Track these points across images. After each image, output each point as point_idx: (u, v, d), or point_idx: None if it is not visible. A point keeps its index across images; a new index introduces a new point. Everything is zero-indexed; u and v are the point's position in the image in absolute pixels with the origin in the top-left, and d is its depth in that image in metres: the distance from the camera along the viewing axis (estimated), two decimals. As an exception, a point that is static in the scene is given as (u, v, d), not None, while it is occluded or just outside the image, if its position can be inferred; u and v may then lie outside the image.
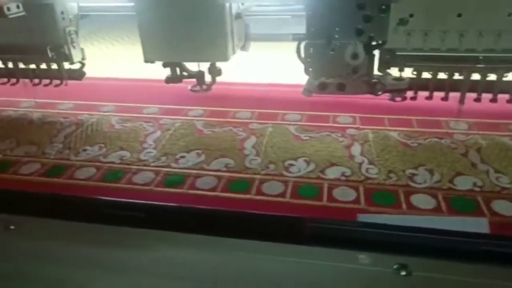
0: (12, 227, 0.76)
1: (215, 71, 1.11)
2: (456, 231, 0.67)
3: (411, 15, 0.86)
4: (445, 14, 0.85)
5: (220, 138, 1.11)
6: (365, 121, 1.15)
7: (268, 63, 1.62)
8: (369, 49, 0.93)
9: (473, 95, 1.00)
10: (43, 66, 1.22)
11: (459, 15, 0.84)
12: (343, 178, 0.91)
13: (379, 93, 1.01)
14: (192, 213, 0.82)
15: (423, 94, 1.04)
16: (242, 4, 1.06)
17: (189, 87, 1.17)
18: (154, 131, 1.17)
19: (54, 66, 1.21)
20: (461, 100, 1.00)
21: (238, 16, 1.03)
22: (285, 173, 0.94)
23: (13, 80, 1.28)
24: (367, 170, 0.94)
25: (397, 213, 0.79)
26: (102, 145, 1.10)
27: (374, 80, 0.98)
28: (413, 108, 1.13)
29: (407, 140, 1.05)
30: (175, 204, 0.84)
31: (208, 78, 1.17)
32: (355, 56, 0.91)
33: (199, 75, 1.13)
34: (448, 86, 0.99)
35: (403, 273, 0.61)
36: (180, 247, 0.75)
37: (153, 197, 0.89)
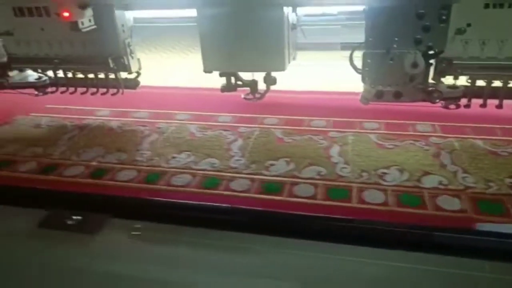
0: (135, 232, 0.79)
1: (270, 80, 1.13)
2: None
3: (469, 25, 0.87)
4: (502, 24, 0.85)
5: (302, 146, 1.13)
6: (446, 129, 1.16)
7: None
8: (426, 58, 0.93)
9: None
10: (100, 75, 1.26)
11: None
12: (441, 186, 0.92)
13: (437, 101, 1.01)
14: (301, 219, 0.84)
15: (477, 101, 1.03)
16: (297, 15, 1.08)
17: (243, 96, 1.18)
18: (235, 139, 1.20)
19: (111, 75, 1.24)
20: None
21: (294, 27, 1.06)
22: (381, 181, 0.95)
23: (72, 89, 1.30)
24: (463, 179, 0.94)
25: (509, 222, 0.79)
26: (189, 152, 1.13)
27: (431, 88, 0.99)
28: (467, 116, 1.14)
29: (496, 148, 1.05)
30: (282, 211, 0.87)
31: (260, 86, 1.18)
32: (415, 65, 0.92)
33: (253, 84, 1.15)
34: (502, 94, 0.99)
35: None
36: (291, 251, 0.77)
37: (252, 203, 0.91)
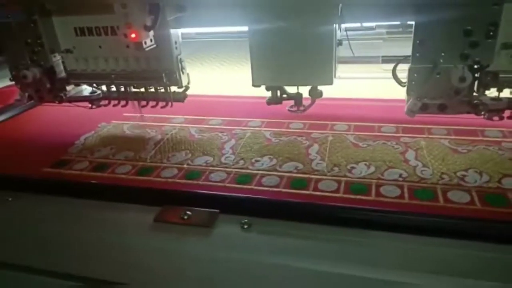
0: (246, 226, 0.88)
1: (316, 94, 1.17)
2: None
3: None
4: None
5: (379, 151, 1.20)
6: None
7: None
8: (473, 71, 0.97)
9: None
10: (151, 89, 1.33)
11: None
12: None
13: (482, 113, 1.05)
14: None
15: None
16: (341, 31, 1.13)
17: (287, 108, 1.23)
18: (311, 144, 1.28)
19: (161, 89, 1.31)
20: None
21: (340, 43, 1.11)
22: (462, 183, 1.01)
23: (123, 102, 1.39)
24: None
25: None
26: (271, 156, 1.22)
27: (476, 101, 1.02)
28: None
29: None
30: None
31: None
32: (462, 79, 0.96)
33: (298, 97, 1.20)
34: None
35: None
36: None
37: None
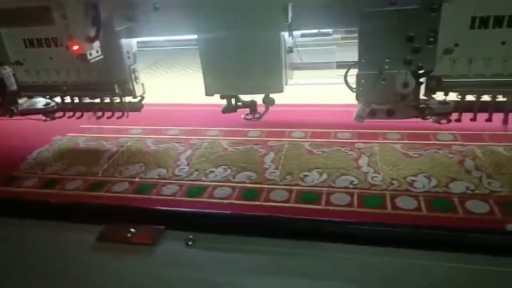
0: (190, 243, 0.86)
1: (269, 101, 1.19)
2: None
3: (456, 45, 0.93)
4: (487, 43, 0.91)
5: (333, 158, 1.20)
6: (467, 138, 1.23)
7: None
8: (417, 77, 1.00)
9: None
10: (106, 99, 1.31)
11: (503, 43, 0.90)
12: (469, 192, 0.98)
13: (428, 117, 1.07)
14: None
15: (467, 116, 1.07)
16: (292, 38, 1.13)
17: (243, 116, 1.24)
18: (267, 153, 1.27)
19: (116, 99, 1.30)
20: (505, 120, 1.05)
21: (290, 50, 1.12)
22: (411, 188, 1.02)
23: (78, 113, 1.36)
24: (489, 183, 1.01)
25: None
26: (226, 166, 1.20)
27: (422, 105, 1.05)
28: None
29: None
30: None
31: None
32: (406, 84, 0.98)
33: (252, 105, 1.21)
34: (492, 108, 1.04)
35: None
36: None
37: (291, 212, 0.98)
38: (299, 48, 1.30)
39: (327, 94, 1.61)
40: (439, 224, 0.88)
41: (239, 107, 1.23)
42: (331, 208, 0.98)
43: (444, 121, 1.10)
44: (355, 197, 1.01)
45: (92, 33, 1.04)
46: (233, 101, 1.21)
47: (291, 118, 1.51)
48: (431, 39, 0.95)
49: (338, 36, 1.44)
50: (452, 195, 0.98)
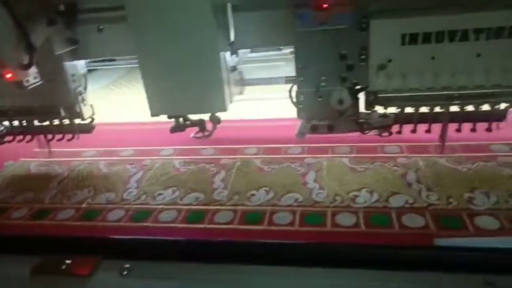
0: (125, 272, 0.85)
1: (215, 120, 1.20)
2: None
3: (390, 60, 0.95)
4: (420, 58, 0.93)
5: (281, 175, 1.21)
6: (412, 150, 1.26)
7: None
8: (354, 93, 1.02)
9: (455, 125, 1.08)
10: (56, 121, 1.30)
11: (433, 58, 0.93)
12: (407, 205, 1.00)
13: (366, 132, 1.09)
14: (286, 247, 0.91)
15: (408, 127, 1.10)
16: (237, 56, 1.15)
17: (192, 135, 1.24)
18: (218, 171, 1.27)
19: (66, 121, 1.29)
20: (443, 131, 1.09)
21: (234, 68, 1.13)
22: (353, 204, 1.03)
23: (28, 137, 1.35)
24: (427, 196, 1.03)
25: (467, 235, 0.87)
26: (176, 187, 1.20)
27: (361, 120, 1.07)
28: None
29: (457, 165, 1.15)
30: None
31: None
32: (341, 102, 1.01)
33: (201, 123, 1.21)
34: (430, 120, 1.07)
35: (491, 290, 0.69)
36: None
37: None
38: (249, 65, 1.32)
39: (279, 109, 1.63)
40: (375, 241, 0.89)
41: (188, 126, 1.23)
42: (273, 228, 0.98)
43: (385, 133, 1.12)
44: (297, 216, 1.01)
45: (26, 60, 1.03)
46: (181, 120, 1.21)
47: (247, 134, 1.52)
48: (363, 57, 0.98)
49: (287, 51, 1.46)
50: (390, 210, 0.99)
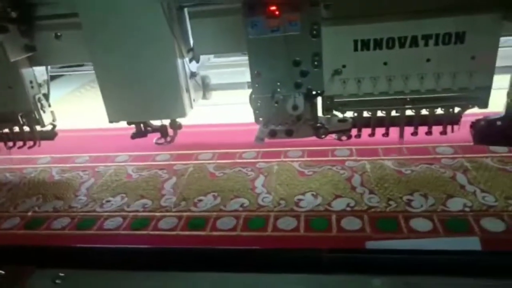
0: (58, 281, 0.84)
1: (176, 126, 1.21)
2: (453, 250, 0.77)
3: (344, 66, 0.97)
4: (373, 63, 0.96)
5: (232, 180, 1.22)
6: (362, 153, 1.28)
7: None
8: (310, 98, 1.03)
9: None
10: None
11: (385, 63, 0.95)
12: (348, 209, 1.02)
13: (323, 136, 1.09)
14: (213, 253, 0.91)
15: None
16: (198, 62, 1.16)
17: (154, 140, 1.24)
18: (169, 177, 1.27)
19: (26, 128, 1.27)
20: (401, 135, 1.09)
21: (193, 74, 1.14)
22: (296, 208, 1.04)
23: None
24: (369, 199, 1.05)
25: (400, 237, 0.89)
26: (125, 194, 1.20)
27: (318, 125, 1.08)
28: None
29: (401, 168, 1.17)
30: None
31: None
32: (295, 107, 1.01)
33: (163, 129, 1.21)
34: (387, 123, 1.08)
35: (411, 292, 0.71)
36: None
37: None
38: (215, 70, 1.32)
39: (241, 114, 1.63)
40: (314, 245, 0.90)
41: (149, 131, 1.23)
42: (214, 233, 0.99)
43: (344, 137, 1.13)
44: (241, 221, 1.02)
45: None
46: (142, 126, 1.21)
47: (203, 139, 1.52)
48: (316, 63, 0.99)
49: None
50: (331, 213, 1.01)
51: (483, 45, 0.91)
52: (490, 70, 0.94)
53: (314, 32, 0.96)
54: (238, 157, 1.35)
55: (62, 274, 0.86)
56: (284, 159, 1.30)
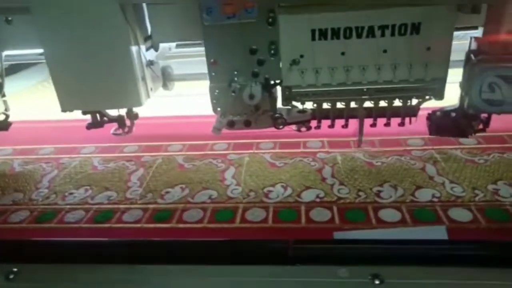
0: (11, 276, 0.79)
1: (132, 116, 1.17)
2: (420, 240, 0.76)
3: (302, 56, 0.95)
4: (330, 53, 0.94)
5: (201, 171, 1.19)
6: (334, 145, 1.26)
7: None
8: (268, 88, 1.01)
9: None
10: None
11: (343, 54, 0.94)
12: (318, 200, 1.00)
13: (281, 126, 1.08)
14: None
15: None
16: (157, 50, 1.13)
17: (111, 131, 1.20)
18: (137, 169, 1.23)
19: None
20: (360, 126, 1.09)
21: (151, 63, 1.09)
22: (265, 199, 1.02)
23: None
24: (338, 190, 1.03)
25: (367, 228, 0.88)
26: (89, 186, 1.15)
27: (276, 115, 1.06)
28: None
29: (372, 160, 1.16)
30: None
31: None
32: (252, 96, 0.99)
33: (120, 120, 1.18)
34: (346, 115, 1.07)
35: (377, 282, 0.70)
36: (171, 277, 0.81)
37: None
38: (175, 60, 1.28)
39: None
40: (282, 236, 0.88)
41: (106, 122, 1.18)
42: (180, 225, 0.95)
43: (303, 129, 1.12)
44: (208, 213, 0.99)
45: None
46: (98, 116, 1.15)
47: (173, 130, 1.48)
48: (273, 51, 0.96)
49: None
50: (300, 204, 0.99)
51: (438, 36, 0.91)
52: (445, 62, 0.94)
53: (270, 20, 0.93)
54: (209, 149, 1.32)
55: (15, 269, 0.81)
56: (256, 151, 1.28)
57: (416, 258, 0.74)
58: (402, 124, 1.08)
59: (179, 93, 1.33)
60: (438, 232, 0.81)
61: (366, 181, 1.06)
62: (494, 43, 0.94)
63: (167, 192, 1.09)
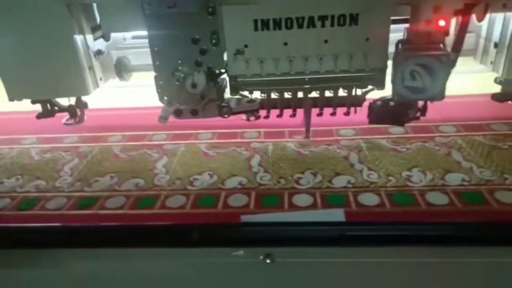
0: None
1: (81, 104, 1.19)
2: (315, 222, 0.80)
3: (246, 46, 0.98)
4: (273, 43, 0.97)
5: (135, 161, 1.20)
6: (269, 135, 1.29)
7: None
8: (213, 77, 1.04)
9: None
10: None
11: (285, 44, 0.97)
12: (239, 186, 1.03)
13: (226, 116, 1.11)
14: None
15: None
16: (108, 41, 1.15)
17: (63, 121, 1.22)
18: (71, 159, 1.24)
19: None
20: (307, 116, 1.13)
21: (99, 52, 1.12)
22: (189, 187, 1.05)
23: None
24: (261, 178, 1.06)
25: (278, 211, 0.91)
26: (20, 176, 1.16)
27: (222, 104, 1.09)
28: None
29: (301, 149, 1.20)
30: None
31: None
32: (194, 85, 1.02)
33: (71, 109, 1.19)
34: (293, 104, 1.10)
35: (268, 261, 0.73)
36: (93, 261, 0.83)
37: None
38: (132, 50, 1.29)
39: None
40: (196, 221, 0.91)
41: (56, 111, 1.19)
42: (101, 212, 0.97)
43: (252, 118, 1.14)
44: (131, 200, 1.01)
45: None
46: (48, 106, 1.17)
47: (123, 121, 1.49)
48: (214, 41, 0.98)
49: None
50: (221, 191, 1.02)
51: (376, 27, 0.94)
52: (384, 52, 0.98)
53: (210, 9, 0.96)
54: (148, 139, 1.34)
55: None
56: (193, 141, 1.30)
57: (308, 239, 0.78)
58: (347, 113, 1.11)
59: (137, 83, 1.34)
60: (336, 215, 0.84)
61: (290, 169, 1.09)
62: (418, 33, 0.98)
63: (96, 181, 1.11)
